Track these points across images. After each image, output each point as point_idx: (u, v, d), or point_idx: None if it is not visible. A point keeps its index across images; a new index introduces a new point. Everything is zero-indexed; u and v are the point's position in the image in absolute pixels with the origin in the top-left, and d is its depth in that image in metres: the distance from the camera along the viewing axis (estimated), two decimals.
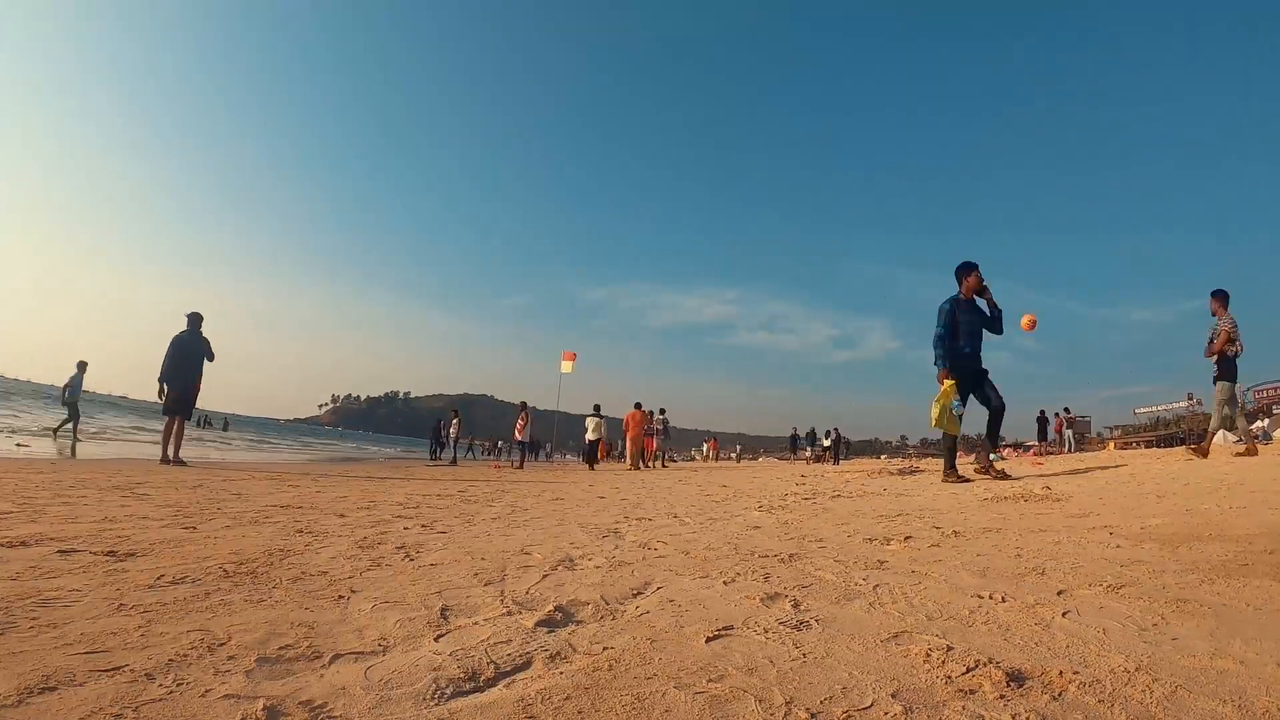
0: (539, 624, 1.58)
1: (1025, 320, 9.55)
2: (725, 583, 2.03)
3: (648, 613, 1.69)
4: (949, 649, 1.36)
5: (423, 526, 3.37)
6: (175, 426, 7.80)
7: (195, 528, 2.96)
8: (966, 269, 6.40)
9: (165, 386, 7.81)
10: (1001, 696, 1.12)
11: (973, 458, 6.92)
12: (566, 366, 19.78)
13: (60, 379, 14.27)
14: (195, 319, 8.11)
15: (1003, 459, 11.44)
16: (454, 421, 19.59)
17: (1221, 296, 7.64)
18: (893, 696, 1.13)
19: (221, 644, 1.37)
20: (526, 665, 1.30)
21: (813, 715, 1.06)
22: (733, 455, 52.01)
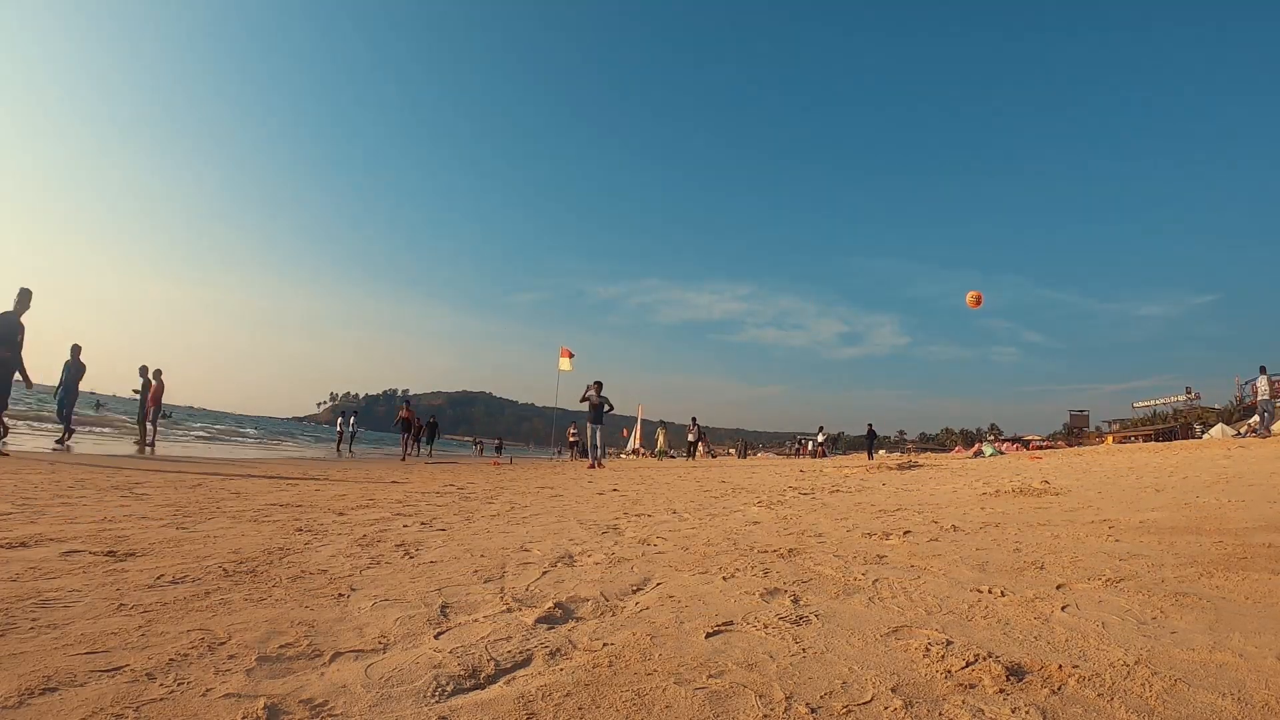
0: (539, 621, 1.58)
1: (970, 297, 9.56)
2: (725, 578, 2.03)
3: (647, 609, 1.69)
4: (949, 643, 1.36)
5: (422, 524, 3.37)
6: None
7: (194, 527, 2.96)
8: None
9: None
10: (1001, 691, 1.12)
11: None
12: (565, 364, 19.72)
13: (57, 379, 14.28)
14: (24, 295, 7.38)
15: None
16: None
17: None
18: (893, 691, 1.13)
19: (222, 643, 1.37)
20: (527, 662, 1.30)
21: (813, 710, 1.06)
22: (731, 451, 51.99)
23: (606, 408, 12.92)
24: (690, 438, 22.32)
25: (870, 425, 25.51)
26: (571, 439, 24.11)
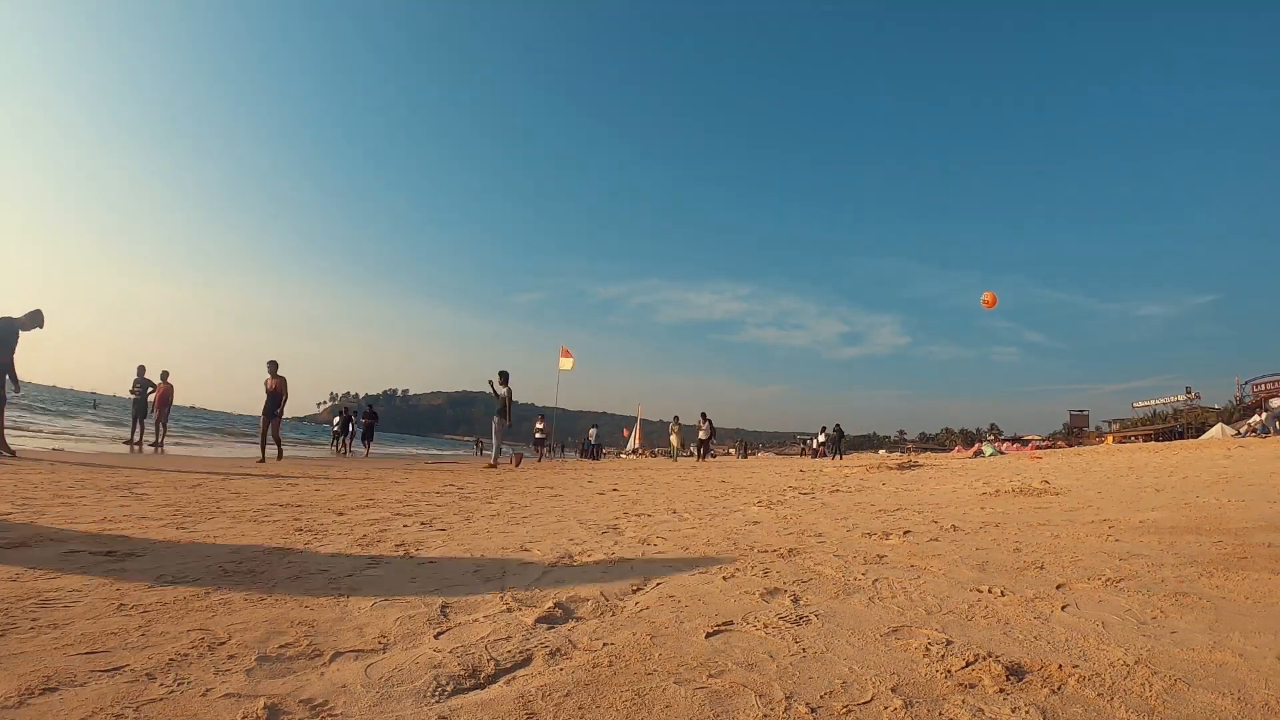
0: (539, 620, 1.58)
1: (985, 297, 9.58)
2: (725, 578, 2.03)
3: (647, 609, 1.69)
4: (949, 643, 1.36)
5: (422, 524, 3.37)
6: None
7: (194, 527, 2.96)
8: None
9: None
10: (1001, 690, 1.12)
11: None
12: (565, 364, 19.79)
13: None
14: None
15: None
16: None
17: None
18: (893, 691, 1.13)
19: (222, 643, 1.37)
20: (527, 662, 1.30)
21: (813, 710, 1.06)
22: (731, 451, 51.94)
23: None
24: (701, 435, 19.10)
25: (839, 425, 25.12)
26: (539, 434, 19.71)
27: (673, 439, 20.86)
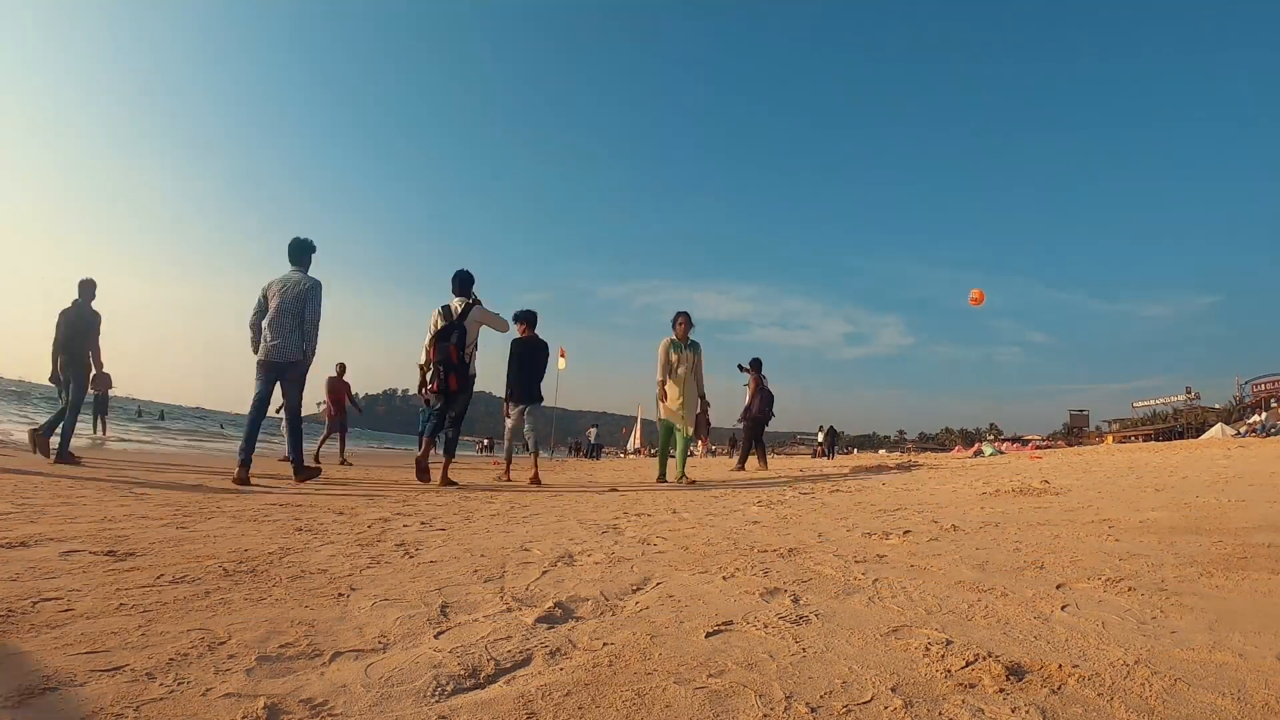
0: (539, 620, 1.58)
1: (972, 295, 9.66)
2: (725, 578, 2.03)
3: (647, 608, 1.69)
4: (948, 643, 1.36)
5: (422, 524, 3.36)
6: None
7: (194, 526, 2.96)
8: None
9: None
10: (1001, 690, 1.12)
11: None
12: (560, 364, 20.08)
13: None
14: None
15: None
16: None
17: None
18: (893, 690, 1.13)
19: (222, 643, 1.37)
20: (527, 662, 1.30)
21: (813, 710, 1.06)
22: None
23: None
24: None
25: (831, 427, 25.74)
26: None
27: (661, 410, 7.06)
